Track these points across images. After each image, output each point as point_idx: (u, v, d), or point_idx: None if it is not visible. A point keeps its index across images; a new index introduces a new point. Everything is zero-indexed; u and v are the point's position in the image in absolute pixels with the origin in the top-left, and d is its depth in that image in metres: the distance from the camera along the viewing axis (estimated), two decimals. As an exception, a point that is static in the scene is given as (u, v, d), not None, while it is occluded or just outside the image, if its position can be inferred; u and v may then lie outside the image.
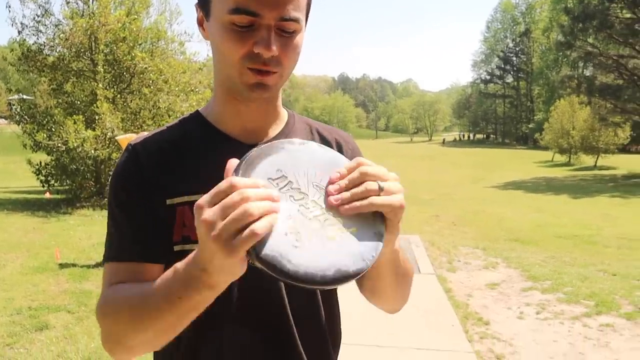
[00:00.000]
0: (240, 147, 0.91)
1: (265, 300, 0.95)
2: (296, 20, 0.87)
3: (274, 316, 0.96)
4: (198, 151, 0.98)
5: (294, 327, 0.97)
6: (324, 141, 1.08)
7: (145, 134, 4.38)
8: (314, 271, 0.66)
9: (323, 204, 0.73)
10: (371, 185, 0.75)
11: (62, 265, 6.68)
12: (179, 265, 0.78)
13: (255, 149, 0.76)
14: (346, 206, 0.74)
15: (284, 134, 1.03)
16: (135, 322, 0.84)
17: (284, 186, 0.73)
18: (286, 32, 0.88)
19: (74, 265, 6.72)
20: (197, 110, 1.06)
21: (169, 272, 0.80)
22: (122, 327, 0.86)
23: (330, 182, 0.76)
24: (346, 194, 0.74)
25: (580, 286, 5.86)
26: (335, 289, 1.06)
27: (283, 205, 0.70)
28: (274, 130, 1.03)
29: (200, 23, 0.97)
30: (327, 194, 0.75)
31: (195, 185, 0.91)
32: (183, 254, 0.81)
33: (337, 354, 1.08)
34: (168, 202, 0.94)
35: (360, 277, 0.73)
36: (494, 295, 5.67)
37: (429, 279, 6.13)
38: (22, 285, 5.91)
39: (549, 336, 4.45)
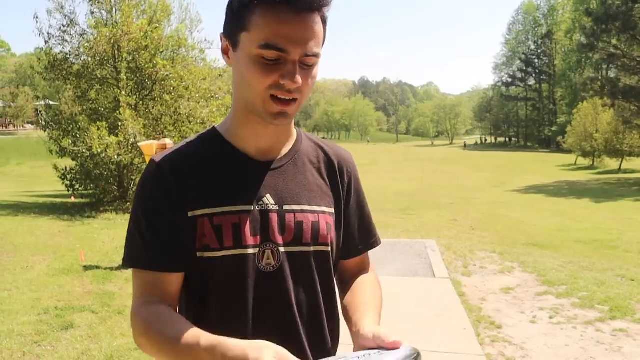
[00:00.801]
0: (256, 165, 1.09)
1: (277, 305, 1.06)
2: (316, 55, 0.99)
3: (285, 319, 1.06)
4: (217, 167, 1.08)
5: (301, 328, 1.08)
6: (329, 162, 1.20)
7: (167, 141, 4.57)
8: None
9: None
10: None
11: (87, 268, 6.91)
12: (203, 344, 0.91)
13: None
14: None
15: (294, 151, 1.15)
16: (161, 354, 1.00)
17: None
18: (307, 65, 0.99)
19: (97, 267, 6.95)
20: (215, 128, 1.16)
21: (192, 341, 0.93)
22: (150, 349, 1.02)
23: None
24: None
25: (596, 291, 5.86)
26: (335, 292, 1.19)
27: None
28: (286, 149, 1.14)
29: (225, 52, 1.06)
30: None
31: (214, 199, 1.05)
32: (202, 260, 1.04)
33: (337, 349, 1.19)
34: (190, 214, 1.04)
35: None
36: (507, 299, 5.70)
37: (444, 283, 6.19)
38: (48, 286, 6.14)
39: (561, 340, 4.48)
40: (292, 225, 1.08)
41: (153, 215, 1.05)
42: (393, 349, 0.97)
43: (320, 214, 1.12)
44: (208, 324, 0.98)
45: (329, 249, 1.13)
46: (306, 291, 1.09)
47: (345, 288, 1.22)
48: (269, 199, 1.07)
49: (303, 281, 1.09)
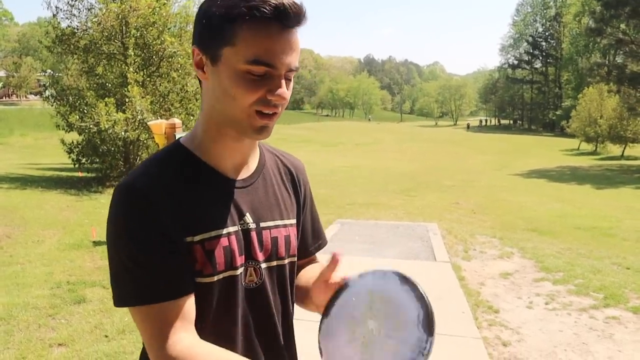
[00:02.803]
0: (233, 183, 1.09)
1: (261, 317, 1.13)
2: (297, 70, 1.02)
3: (267, 327, 1.14)
4: (199, 190, 1.05)
5: (279, 331, 1.17)
6: (288, 172, 1.25)
7: (176, 120, 4.70)
8: None
9: (386, 332, 1.02)
10: None
11: (96, 243, 7.09)
12: None
13: (364, 274, 1.04)
14: None
15: (260, 166, 1.17)
16: None
17: (377, 321, 1.02)
18: (288, 79, 1.01)
19: (106, 243, 7.12)
20: (180, 144, 1.11)
21: None
22: None
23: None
24: None
25: (592, 278, 6.02)
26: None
27: None
28: (253, 163, 1.16)
29: (199, 66, 1.02)
30: None
31: (204, 224, 1.02)
32: (197, 286, 1.01)
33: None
34: (187, 239, 1.01)
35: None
36: (506, 284, 5.87)
37: (444, 267, 6.35)
38: (60, 260, 6.32)
39: (555, 326, 4.65)
40: (269, 241, 1.12)
41: (149, 242, 0.97)
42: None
43: (290, 227, 1.18)
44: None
45: (296, 258, 1.20)
46: (282, 300, 1.16)
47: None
48: (248, 218, 1.09)
49: (279, 291, 1.16)
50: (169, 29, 12.98)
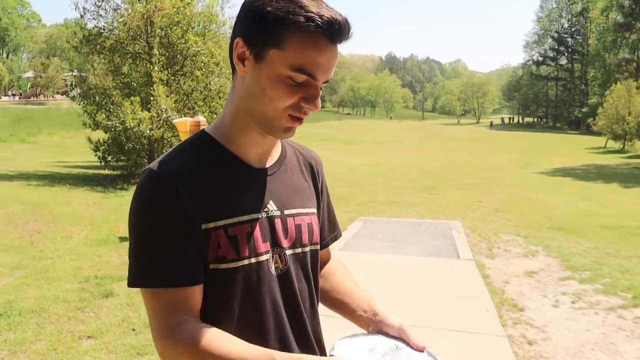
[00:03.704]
0: (257, 172, 1.12)
1: (288, 304, 1.14)
2: (329, 81, 1.06)
3: (295, 314, 1.15)
4: (223, 177, 1.08)
5: (306, 319, 1.18)
6: (307, 164, 1.28)
7: (200, 118, 4.79)
8: None
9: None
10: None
11: (122, 239, 7.22)
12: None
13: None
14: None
15: (282, 156, 1.20)
16: None
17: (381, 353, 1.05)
18: (321, 89, 1.05)
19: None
20: (206, 133, 1.13)
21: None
22: None
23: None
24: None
25: (620, 278, 5.92)
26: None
27: None
28: (275, 155, 1.19)
29: (241, 59, 1.03)
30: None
31: (227, 210, 1.05)
32: (217, 272, 1.03)
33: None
34: (203, 226, 1.02)
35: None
36: (531, 283, 5.81)
37: (468, 265, 6.31)
38: (88, 256, 6.45)
39: (582, 325, 4.59)
40: (293, 228, 1.14)
41: (168, 229, 1.00)
42: (417, 349, 1.08)
43: (312, 215, 1.20)
44: (228, 332, 1.03)
45: (319, 246, 1.23)
46: (307, 286, 1.18)
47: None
48: (272, 205, 1.11)
49: (304, 278, 1.17)
50: (192, 28, 13.15)
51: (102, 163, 14.11)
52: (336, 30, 0.98)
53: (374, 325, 1.16)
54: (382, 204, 11.51)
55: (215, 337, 0.98)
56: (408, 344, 1.08)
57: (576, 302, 5.15)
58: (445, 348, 3.88)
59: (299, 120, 1.05)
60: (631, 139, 36.38)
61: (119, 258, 6.40)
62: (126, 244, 6.41)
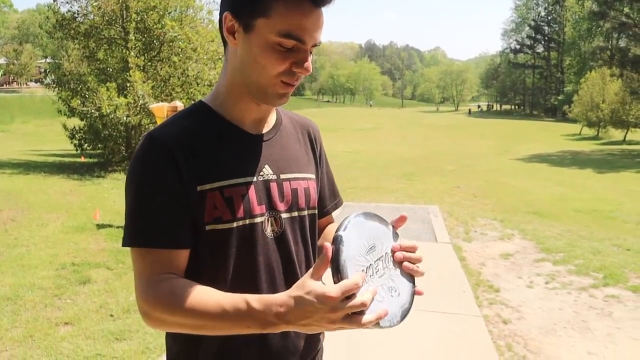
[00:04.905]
0: (252, 138, 1.15)
1: (283, 266, 1.16)
2: (319, 45, 1.09)
3: (290, 277, 1.14)
4: (218, 142, 1.11)
5: (299, 273, 1.19)
6: (304, 131, 1.31)
7: (178, 103, 4.76)
8: (392, 317, 0.98)
9: (387, 263, 1.04)
10: (419, 261, 1.08)
11: (99, 226, 7.14)
12: (255, 306, 0.94)
13: (346, 225, 0.99)
14: (408, 265, 1.05)
15: (278, 123, 1.23)
16: (194, 328, 1.00)
17: (376, 257, 1.02)
18: (310, 53, 1.08)
19: (110, 225, 7.18)
20: (203, 102, 1.17)
21: (240, 306, 0.95)
22: (179, 323, 1.00)
23: (395, 249, 1.06)
24: (413, 256, 1.07)
25: (592, 259, 6.06)
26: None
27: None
28: (271, 122, 1.22)
29: (230, 32, 1.07)
30: (395, 257, 1.05)
31: (222, 172, 1.08)
32: (214, 233, 1.06)
33: None
34: (199, 188, 1.05)
35: None
36: (506, 265, 5.92)
37: (445, 248, 6.40)
38: (64, 243, 6.37)
39: (555, 304, 4.71)
40: (289, 192, 1.17)
41: (161, 191, 1.04)
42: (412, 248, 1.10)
43: (309, 180, 1.23)
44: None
45: (316, 211, 1.26)
46: (304, 250, 1.21)
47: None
48: (268, 169, 1.14)
49: (301, 242, 1.20)
50: (169, 13, 12.94)
51: (78, 150, 13.88)
52: None
53: None
54: (362, 190, 11.57)
55: (192, 288, 1.00)
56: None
57: (550, 283, 5.27)
58: (423, 328, 3.96)
59: (292, 86, 1.09)
60: (605, 126, 37.06)
61: (96, 245, 6.33)
62: (103, 231, 6.36)
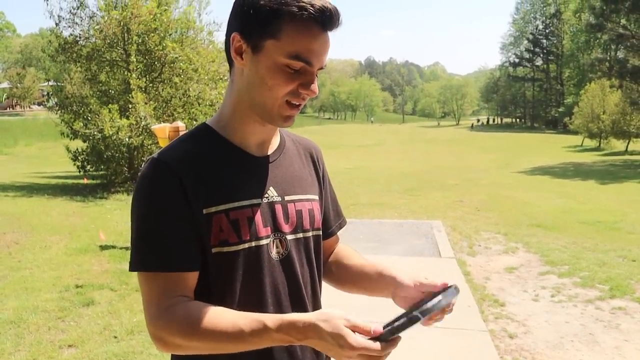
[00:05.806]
0: (257, 160, 1.16)
1: (289, 288, 1.16)
2: (324, 68, 1.11)
3: (296, 298, 1.17)
4: (223, 165, 1.12)
5: (307, 303, 1.20)
6: (307, 152, 1.31)
7: (179, 124, 4.76)
8: None
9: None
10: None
11: (103, 247, 7.13)
12: (272, 327, 0.97)
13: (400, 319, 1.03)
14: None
15: (282, 145, 1.24)
16: (212, 350, 1.03)
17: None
18: (316, 76, 1.10)
19: (113, 247, 7.17)
20: (207, 125, 1.18)
21: (259, 328, 0.97)
22: (195, 346, 1.02)
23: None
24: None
25: (597, 271, 6.03)
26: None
27: None
28: (275, 144, 1.22)
29: (239, 52, 1.08)
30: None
31: (228, 195, 1.09)
32: (220, 256, 1.07)
33: None
34: (205, 211, 1.06)
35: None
36: (511, 278, 5.89)
37: (449, 263, 6.38)
38: (67, 265, 6.36)
39: (561, 317, 4.67)
40: (294, 214, 1.17)
41: (169, 215, 1.05)
42: (443, 288, 1.14)
43: (313, 202, 1.23)
44: None
45: (321, 232, 1.26)
46: (309, 271, 1.21)
47: (326, 264, 1.37)
48: (272, 191, 1.15)
49: (306, 263, 1.20)
50: (170, 34, 13.07)
51: (81, 172, 13.94)
52: (327, 17, 1.03)
53: (400, 293, 1.23)
54: (365, 206, 11.55)
55: (207, 311, 1.01)
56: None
57: (555, 296, 5.24)
58: (429, 344, 3.92)
59: (297, 107, 1.10)
60: (606, 137, 37.08)
61: (100, 266, 6.32)
62: (106, 252, 6.36)
